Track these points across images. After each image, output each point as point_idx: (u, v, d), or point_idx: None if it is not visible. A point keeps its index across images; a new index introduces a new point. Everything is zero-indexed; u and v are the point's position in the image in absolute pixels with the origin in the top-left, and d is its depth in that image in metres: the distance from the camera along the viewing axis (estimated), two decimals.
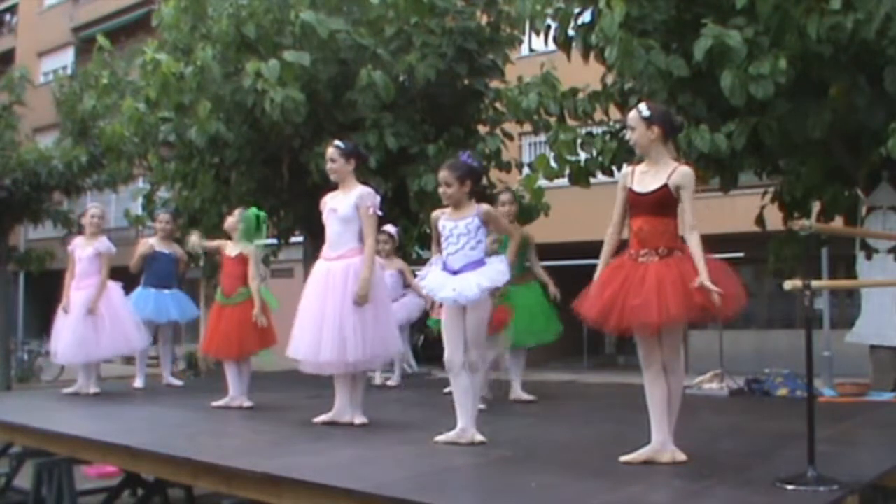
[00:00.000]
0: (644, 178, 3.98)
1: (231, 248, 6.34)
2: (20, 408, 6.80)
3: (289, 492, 3.72)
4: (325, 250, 5.28)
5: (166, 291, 7.87)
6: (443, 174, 4.62)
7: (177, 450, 4.48)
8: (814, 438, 3.48)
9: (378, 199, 5.28)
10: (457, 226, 4.57)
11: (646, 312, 3.73)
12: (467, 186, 4.58)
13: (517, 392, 6.54)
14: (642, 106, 4.04)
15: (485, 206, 4.62)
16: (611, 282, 3.90)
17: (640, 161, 4.12)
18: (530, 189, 10.31)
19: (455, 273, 4.52)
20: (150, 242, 8.07)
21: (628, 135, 4.08)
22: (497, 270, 4.51)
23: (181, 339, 8.23)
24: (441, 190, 4.64)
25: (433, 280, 4.63)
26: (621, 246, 4.09)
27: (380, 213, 5.25)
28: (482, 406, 5.95)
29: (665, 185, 3.90)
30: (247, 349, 6.23)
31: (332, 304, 5.06)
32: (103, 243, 7.19)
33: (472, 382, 4.49)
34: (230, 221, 6.40)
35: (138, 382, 7.88)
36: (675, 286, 3.75)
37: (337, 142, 5.44)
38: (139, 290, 7.92)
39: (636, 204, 3.99)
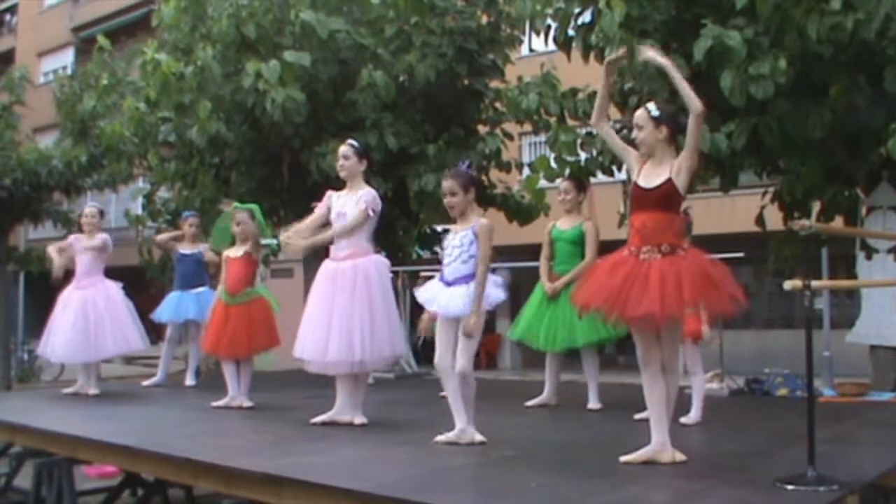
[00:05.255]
0: (649, 175, 3.98)
1: (234, 250, 6.35)
2: (20, 408, 6.80)
3: (289, 492, 3.71)
4: (333, 250, 5.29)
5: (193, 291, 7.86)
6: (448, 184, 4.58)
7: (177, 450, 4.48)
8: (814, 438, 3.48)
9: (379, 203, 5.32)
10: (454, 237, 4.58)
11: (650, 304, 3.70)
12: (472, 194, 4.59)
13: (590, 400, 6.06)
14: (651, 105, 4.01)
15: (482, 222, 4.55)
16: (614, 273, 3.88)
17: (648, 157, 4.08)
18: (531, 190, 10.31)
19: (449, 285, 4.54)
20: (177, 245, 8.10)
21: (633, 133, 4.04)
22: (486, 293, 4.48)
23: (184, 339, 8.21)
24: (447, 201, 4.59)
25: (428, 290, 4.65)
26: (618, 244, 4.08)
27: (372, 213, 5.23)
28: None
29: (669, 179, 3.89)
30: (254, 349, 6.26)
31: (341, 305, 5.07)
32: (100, 238, 7.26)
33: (462, 385, 4.48)
34: (236, 229, 6.38)
35: (155, 380, 7.97)
36: (677, 285, 3.73)
37: (351, 141, 5.49)
38: (170, 294, 8.04)
39: (640, 199, 3.96)
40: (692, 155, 3.93)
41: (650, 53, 4.11)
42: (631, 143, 4.16)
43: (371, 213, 5.22)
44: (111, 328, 7.07)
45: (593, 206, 6.26)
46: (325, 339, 5.05)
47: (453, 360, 4.47)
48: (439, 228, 10.65)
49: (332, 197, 5.38)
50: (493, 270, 4.67)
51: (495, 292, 4.53)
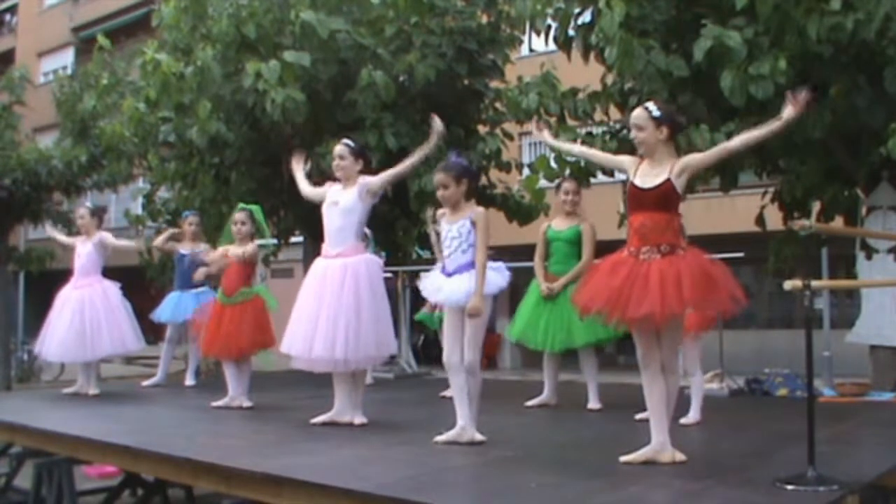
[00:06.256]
0: (646, 175, 3.97)
1: (234, 250, 6.35)
2: (20, 408, 6.80)
3: (289, 492, 3.72)
4: (325, 247, 5.29)
5: (192, 291, 7.83)
6: (439, 177, 4.61)
7: (177, 450, 4.48)
8: (814, 438, 3.48)
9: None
10: (451, 228, 4.59)
11: (650, 304, 3.71)
12: (464, 185, 4.59)
13: (590, 400, 6.05)
14: (651, 105, 3.99)
15: (478, 210, 4.59)
16: (614, 274, 3.87)
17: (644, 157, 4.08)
18: (531, 190, 10.31)
19: (450, 275, 4.56)
20: (178, 247, 8.09)
21: (633, 133, 4.03)
22: (487, 278, 4.48)
23: (184, 339, 8.23)
24: (439, 194, 4.64)
25: (429, 282, 4.69)
26: (618, 244, 4.07)
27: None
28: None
29: (668, 180, 3.89)
30: (248, 349, 6.24)
31: (328, 302, 5.07)
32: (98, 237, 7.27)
33: (468, 382, 4.49)
34: (236, 229, 6.38)
35: (155, 380, 7.99)
36: (677, 285, 3.73)
37: (346, 140, 5.46)
38: (170, 294, 8.05)
39: (638, 199, 3.96)
40: (703, 166, 3.99)
41: (792, 114, 3.95)
42: (630, 143, 4.16)
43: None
44: (107, 328, 7.06)
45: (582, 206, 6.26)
46: (311, 336, 5.05)
47: (461, 355, 4.49)
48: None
49: (332, 188, 5.37)
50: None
51: (496, 278, 4.55)
